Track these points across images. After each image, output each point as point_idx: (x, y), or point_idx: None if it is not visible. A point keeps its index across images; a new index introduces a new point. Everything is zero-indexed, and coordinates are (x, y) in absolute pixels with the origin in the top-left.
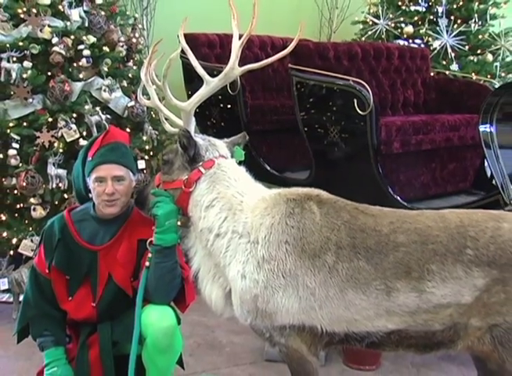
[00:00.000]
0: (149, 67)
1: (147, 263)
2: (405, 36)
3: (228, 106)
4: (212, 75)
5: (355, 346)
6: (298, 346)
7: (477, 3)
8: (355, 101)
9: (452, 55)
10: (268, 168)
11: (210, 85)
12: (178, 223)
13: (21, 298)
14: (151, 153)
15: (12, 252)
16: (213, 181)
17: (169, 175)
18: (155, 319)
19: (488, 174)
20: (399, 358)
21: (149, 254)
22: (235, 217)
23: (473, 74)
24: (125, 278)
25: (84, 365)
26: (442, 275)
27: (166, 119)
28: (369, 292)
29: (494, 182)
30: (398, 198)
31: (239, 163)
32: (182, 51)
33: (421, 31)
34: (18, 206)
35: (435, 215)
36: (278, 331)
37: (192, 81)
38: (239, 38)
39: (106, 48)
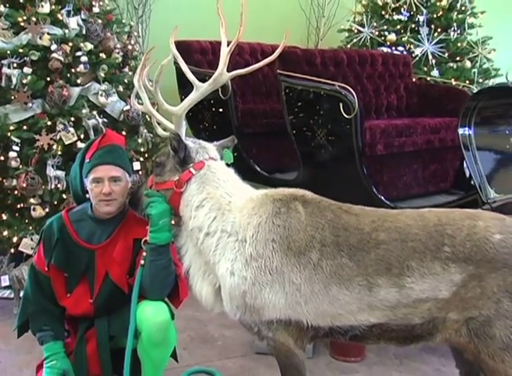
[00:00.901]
0: (142, 74)
1: (142, 262)
2: (388, 43)
3: (220, 110)
4: (204, 80)
5: (339, 339)
6: (285, 340)
7: (456, 13)
8: (341, 105)
9: (433, 61)
10: (258, 169)
11: (200, 90)
12: (172, 222)
13: (21, 294)
14: (146, 155)
15: (12, 250)
16: (203, 182)
17: (161, 177)
18: (150, 314)
19: (467, 174)
20: (383, 350)
21: (144, 253)
22: (223, 217)
23: (452, 79)
24: (121, 276)
25: (82, 358)
26: (421, 271)
27: (158, 123)
28: (351, 288)
29: (472, 182)
30: (382, 198)
31: (228, 165)
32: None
33: (403, 39)
34: (18, 206)
35: (415, 214)
36: (266, 326)
37: (185, 87)
38: (228, 45)
39: (102, 55)
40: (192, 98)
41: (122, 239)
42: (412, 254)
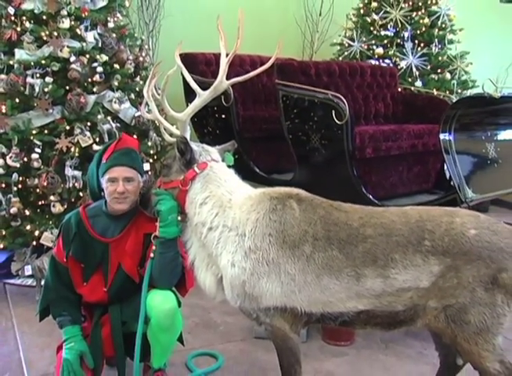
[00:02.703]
0: (150, 85)
1: (152, 254)
2: (376, 56)
3: (223, 116)
4: (206, 89)
5: (329, 325)
6: (281, 325)
7: (437, 30)
8: (333, 112)
9: (417, 73)
10: (258, 171)
11: (202, 97)
12: (179, 218)
13: (43, 282)
14: (155, 157)
15: (34, 243)
16: (206, 181)
17: (168, 177)
18: (158, 302)
19: (447, 176)
20: (370, 335)
21: (154, 247)
22: (225, 213)
23: (434, 90)
24: (133, 267)
25: (97, 341)
26: (404, 263)
27: (165, 130)
28: (341, 278)
29: (452, 183)
30: (370, 197)
31: (230, 166)
32: (185, 67)
33: (390, 53)
34: (40, 203)
35: (399, 211)
36: (263, 312)
37: (190, 95)
38: (227, 56)
39: (116, 66)
40: (196, 104)
41: (134, 233)
42: (396, 248)
